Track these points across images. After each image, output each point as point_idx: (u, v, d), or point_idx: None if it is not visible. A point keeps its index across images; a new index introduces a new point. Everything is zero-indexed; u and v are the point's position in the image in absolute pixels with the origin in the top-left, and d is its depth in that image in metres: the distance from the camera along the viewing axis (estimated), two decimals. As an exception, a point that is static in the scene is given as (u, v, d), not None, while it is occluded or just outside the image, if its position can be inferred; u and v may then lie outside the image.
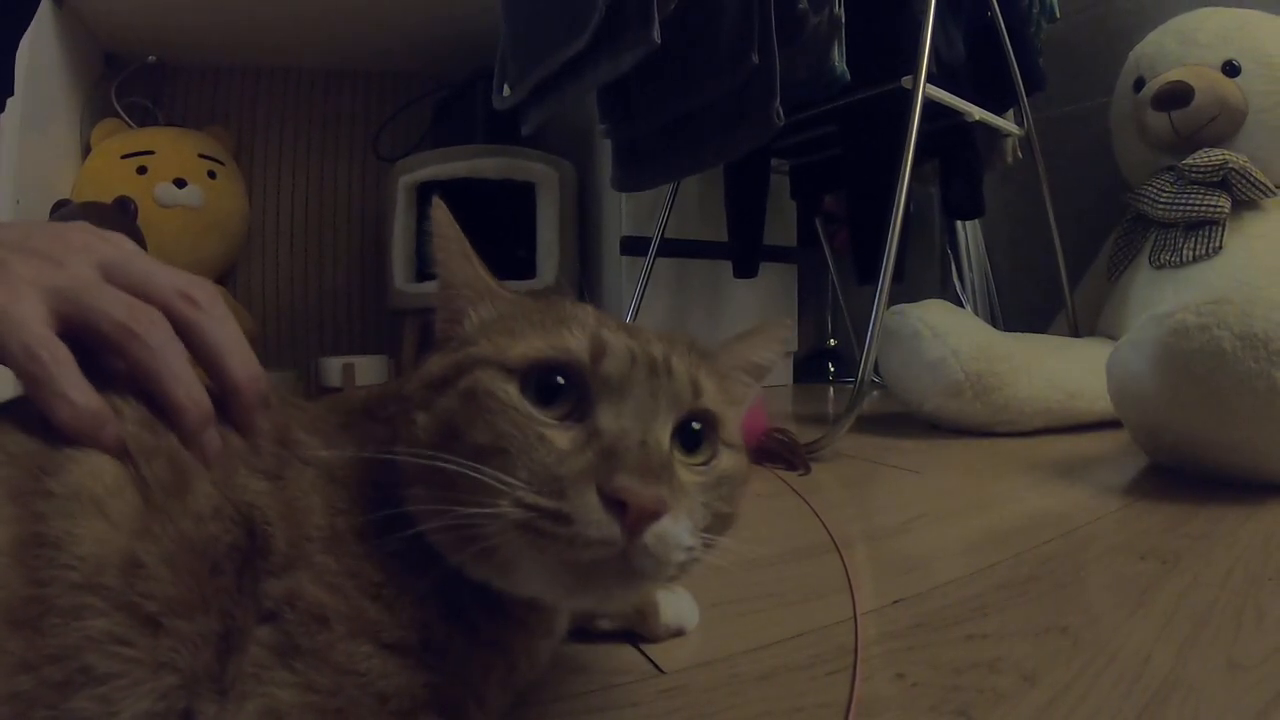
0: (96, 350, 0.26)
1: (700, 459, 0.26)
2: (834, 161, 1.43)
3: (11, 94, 0.81)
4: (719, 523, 0.26)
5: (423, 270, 1.61)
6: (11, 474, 0.22)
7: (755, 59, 0.92)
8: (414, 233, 1.60)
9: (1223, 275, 1.08)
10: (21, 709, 0.20)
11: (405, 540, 0.24)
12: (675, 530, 0.23)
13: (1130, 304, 1.20)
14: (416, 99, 1.86)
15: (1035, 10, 1.32)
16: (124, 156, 1.52)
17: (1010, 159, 1.44)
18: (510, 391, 0.24)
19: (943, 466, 0.85)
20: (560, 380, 0.25)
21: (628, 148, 1.25)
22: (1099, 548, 0.53)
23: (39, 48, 1.33)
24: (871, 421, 1.15)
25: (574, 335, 0.26)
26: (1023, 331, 1.16)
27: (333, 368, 1.58)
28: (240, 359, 0.28)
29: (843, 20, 0.98)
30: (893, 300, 1.00)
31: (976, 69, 1.21)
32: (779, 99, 0.93)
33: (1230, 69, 1.16)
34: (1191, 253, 1.12)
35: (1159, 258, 1.16)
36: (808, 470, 0.79)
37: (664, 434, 0.25)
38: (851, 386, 0.96)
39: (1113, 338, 1.13)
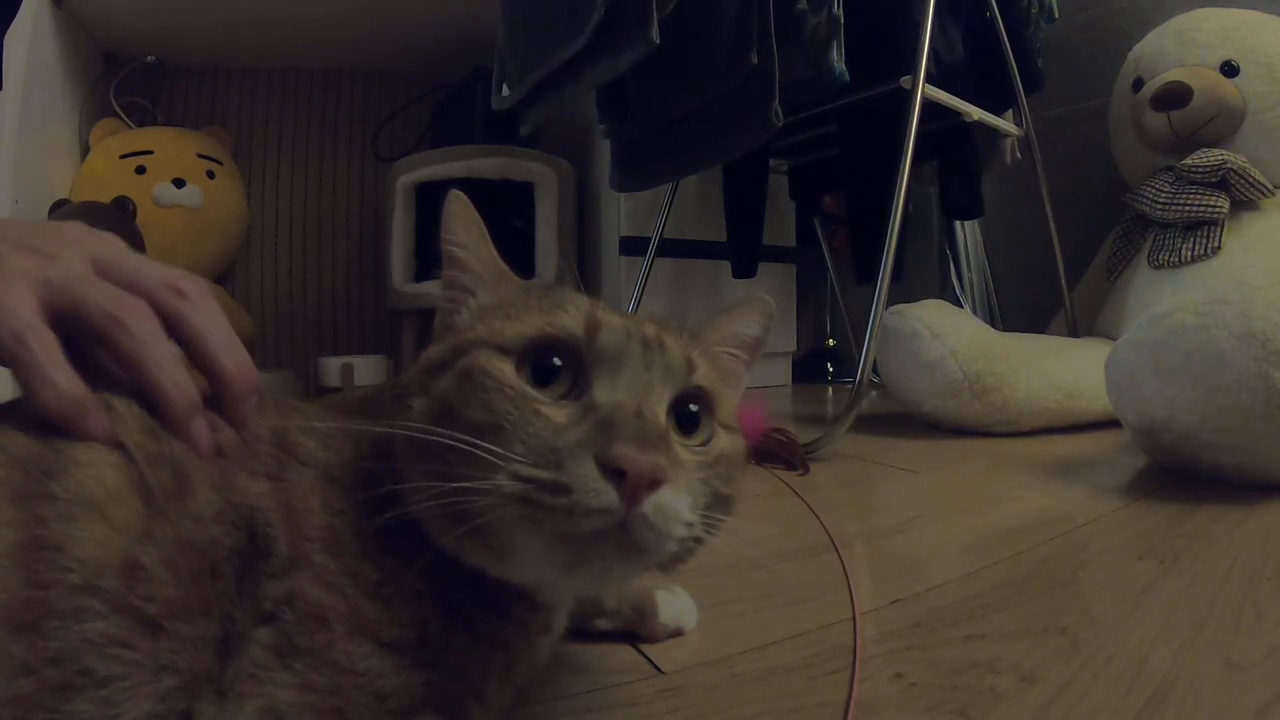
0: (86, 342, 0.26)
1: (698, 440, 0.26)
2: (833, 162, 1.43)
3: None
4: (719, 503, 0.26)
5: (422, 270, 1.61)
6: (14, 477, 0.22)
7: (754, 59, 0.92)
8: (413, 233, 1.60)
9: (1221, 275, 1.08)
10: (22, 712, 0.20)
11: (400, 529, 0.24)
12: (674, 502, 0.23)
13: (1129, 304, 1.20)
14: (415, 99, 1.86)
15: (1034, 11, 1.32)
16: (122, 156, 1.52)
17: (1009, 159, 1.44)
18: (506, 370, 0.25)
19: (941, 466, 0.85)
20: (556, 362, 0.25)
21: (627, 148, 1.25)
22: (1097, 547, 0.53)
23: (37, 47, 1.33)
24: (870, 421, 1.15)
25: (569, 313, 0.26)
26: (1021, 331, 1.17)
27: (331, 368, 1.58)
28: (229, 351, 0.28)
29: (842, 20, 0.98)
30: (891, 300, 1.00)
31: (975, 69, 1.21)
32: (778, 99, 0.93)
33: (1229, 69, 1.16)
34: (1190, 253, 1.12)
35: (1158, 258, 1.16)
36: (806, 470, 0.79)
37: (660, 407, 0.25)
38: (850, 387, 0.96)
39: (1111, 338, 1.13)
